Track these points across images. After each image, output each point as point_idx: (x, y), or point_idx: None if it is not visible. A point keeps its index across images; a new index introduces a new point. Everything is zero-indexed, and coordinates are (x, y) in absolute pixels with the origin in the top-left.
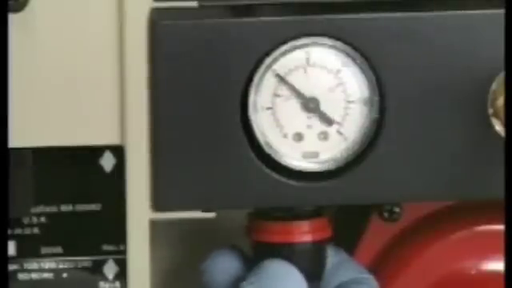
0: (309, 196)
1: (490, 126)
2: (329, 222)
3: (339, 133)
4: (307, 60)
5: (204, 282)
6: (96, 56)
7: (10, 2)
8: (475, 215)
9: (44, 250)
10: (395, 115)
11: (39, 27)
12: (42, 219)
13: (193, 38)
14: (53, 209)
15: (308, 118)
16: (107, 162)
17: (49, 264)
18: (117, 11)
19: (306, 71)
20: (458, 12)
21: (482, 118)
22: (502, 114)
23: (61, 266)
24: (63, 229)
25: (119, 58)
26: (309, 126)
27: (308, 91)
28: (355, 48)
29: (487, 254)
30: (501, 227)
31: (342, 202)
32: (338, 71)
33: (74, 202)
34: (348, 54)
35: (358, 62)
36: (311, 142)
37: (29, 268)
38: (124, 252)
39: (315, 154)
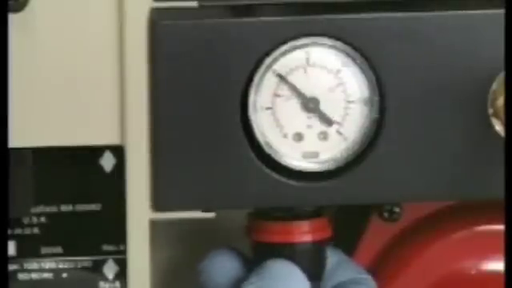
0: (309, 196)
1: (490, 126)
2: (329, 221)
3: (339, 133)
4: (307, 60)
5: (201, 282)
6: (96, 56)
7: (10, 2)
8: (475, 215)
9: (44, 250)
10: (395, 115)
11: (39, 27)
12: (42, 219)
13: (193, 38)
14: (53, 209)
15: (308, 117)
16: (107, 161)
17: (49, 264)
18: (117, 11)
19: (305, 71)
20: (459, 12)
21: (482, 117)
22: (502, 114)
23: (61, 266)
24: (63, 229)
25: (119, 57)
26: (309, 126)
27: (308, 91)
28: (355, 48)
29: (487, 254)
30: (501, 227)
31: (342, 202)
32: (338, 71)
33: (74, 202)
34: (348, 54)
35: (357, 62)
36: (311, 142)
37: (29, 268)
38: (124, 252)
39: (315, 154)
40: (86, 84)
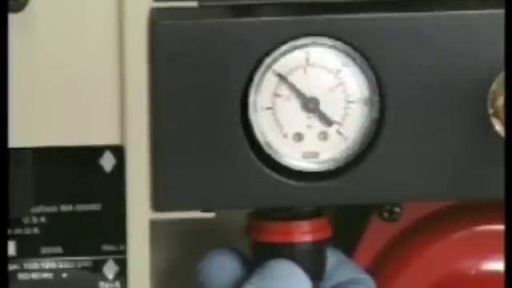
0: (309, 196)
1: (490, 126)
2: (329, 221)
3: (339, 133)
4: (307, 60)
5: (200, 282)
6: (96, 56)
7: (10, 2)
8: (475, 215)
9: (44, 250)
10: (395, 115)
11: (39, 27)
12: (42, 219)
13: (193, 38)
14: (53, 209)
15: (308, 118)
16: (107, 161)
17: (49, 264)
18: (117, 11)
19: (305, 71)
20: (458, 12)
21: (482, 118)
22: (502, 114)
23: (61, 266)
24: (63, 229)
25: (119, 57)
26: (309, 126)
27: (308, 91)
28: (355, 48)
29: (487, 254)
30: (501, 227)
31: (342, 202)
32: (338, 71)
33: (74, 202)
34: (348, 54)
35: (357, 62)
36: (311, 142)
37: (29, 268)
38: (124, 252)
39: (315, 154)
40: (85, 84)
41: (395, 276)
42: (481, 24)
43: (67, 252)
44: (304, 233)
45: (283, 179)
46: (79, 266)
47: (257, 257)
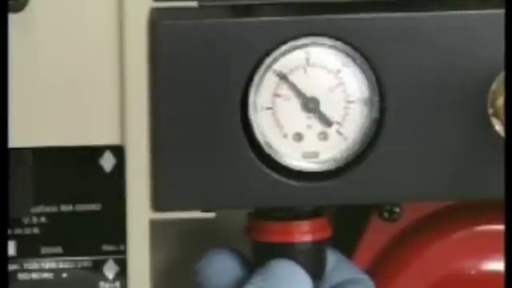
0: (309, 196)
1: (490, 126)
2: (329, 221)
3: (339, 133)
4: (307, 60)
5: (198, 282)
6: (96, 56)
7: (10, 2)
8: (475, 215)
9: (44, 250)
10: (395, 115)
11: (39, 27)
12: (42, 219)
13: (193, 38)
14: (53, 209)
15: (308, 118)
16: (107, 161)
17: (49, 264)
18: (117, 11)
19: (305, 71)
20: (458, 12)
21: (482, 118)
22: (502, 114)
23: (61, 266)
24: (63, 229)
25: (119, 58)
26: (309, 126)
27: (308, 91)
28: (355, 48)
29: (487, 254)
30: (501, 227)
31: (342, 202)
32: (338, 71)
33: (74, 202)
34: (348, 54)
35: (358, 62)
36: (311, 142)
37: (29, 268)
38: (124, 252)
39: (315, 154)
40: (86, 84)
41: (395, 276)
42: (481, 24)
43: (67, 252)
44: (304, 233)
45: (283, 179)
46: (79, 266)
47: (257, 257)
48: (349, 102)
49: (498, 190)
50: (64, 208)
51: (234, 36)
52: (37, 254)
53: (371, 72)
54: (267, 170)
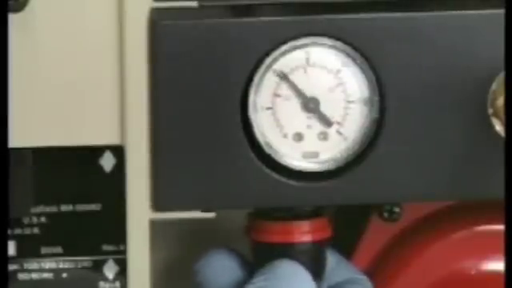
0: (309, 196)
1: (490, 126)
2: (329, 221)
3: (339, 133)
4: (307, 60)
5: (197, 282)
6: (96, 56)
7: (10, 2)
8: (475, 215)
9: (44, 250)
10: (395, 115)
11: (39, 27)
12: (42, 219)
13: (193, 38)
14: (53, 209)
15: (308, 118)
16: (107, 161)
17: (49, 264)
18: (117, 11)
19: (305, 71)
20: (458, 12)
21: (482, 118)
22: (502, 114)
23: (61, 266)
24: (63, 229)
25: (119, 57)
26: (309, 126)
27: (308, 91)
28: (355, 48)
29: (487, 254)
30: (501, 227)
31: (342, 202)
32: (338, 71)
33: (74, 202)
34: (348, 54)
35: (358, 62)
36: (311, 142)
37: (29, 268)
38: (124, 252)
39: (315, 154)
40: (86, 84)
41: (395, 276)
42: (481, 24)
43: (67, 252)
44: (304, 233)
45: (283, 179)
46: (79, 266)
47: (256, 257)
48: (349, 101)
49: (498, 190)
50: (64, 208)
51: (234, 36)
52: (37, 254)
53: (371, 72)
54: (267, 170)
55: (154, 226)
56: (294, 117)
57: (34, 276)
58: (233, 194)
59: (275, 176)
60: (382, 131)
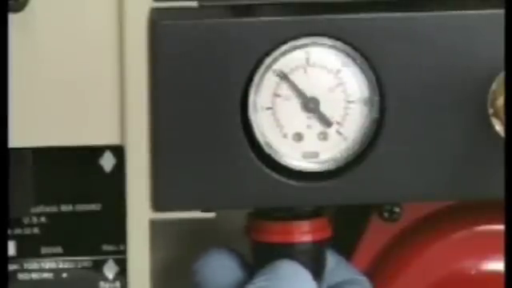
0: (309, 196)
1: (490, 126)
2: (329, 222)
3: (339, 133)
4: (307, 60)
5: (196, 282)
6: (96, 56)
7: (10, 2)
8: (475, 215)
9: (44, 250)
10: (395, 115)
11: (39, 27)
12: (42, 219)
13: (193, 38)
14: (53, 209)
15: (308, 118)
16: (107, 161)
17: (49, 264)
18: (117, 11)
19: (306, 71)
20: (458, 12)
21: (482, 118)
22: (502, 114)
23: (61, 266)
24: (63, 229)
25: (119, 57)
26: (309, 126)
27: (308, 91)
28: (355, 48)
29: (487, 254)
30: (501, 227)
31: (342, 202)
32: (338, 71)
33: (74, 202)
34: (348, 54)
35: (358, 62)
36: (311, 142)
37: (29, 268)
38: (124, 252)
39: (315, 154)
40: (86, 84)
41: (395, 276)
42: (481, 24)
43: (67, 252)
44: (304, 233)
45: (283, 179)
46: (79, 266)
47: (256, 257)
48: (349, 102)
49: (498, 190)
50: (64, 208)
51: (234, 36)
52: (37, 254)
53: (371, 72)
54: (267, 170)
55: (154, 225)
56: (294, 117)
57: (34, 276)
58: (233, 194)
59: (275, 176)
60: (382, 131)
